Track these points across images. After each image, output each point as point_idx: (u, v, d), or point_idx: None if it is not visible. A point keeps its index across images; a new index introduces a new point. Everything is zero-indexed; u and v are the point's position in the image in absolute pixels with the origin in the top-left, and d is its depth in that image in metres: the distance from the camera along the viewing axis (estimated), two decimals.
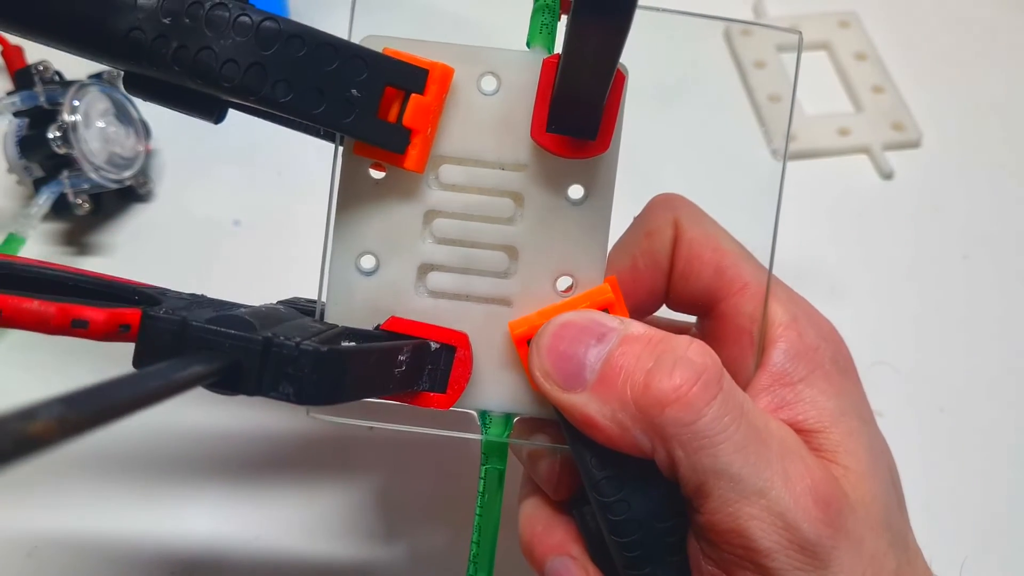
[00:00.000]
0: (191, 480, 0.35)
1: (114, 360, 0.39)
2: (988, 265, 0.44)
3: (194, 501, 0.35)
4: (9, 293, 0.19)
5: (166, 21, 0.20)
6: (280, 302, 0.26)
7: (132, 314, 0.19)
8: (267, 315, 0.20)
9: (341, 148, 0.24)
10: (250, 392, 0.18)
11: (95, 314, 0.19)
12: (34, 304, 0.18)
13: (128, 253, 0.42)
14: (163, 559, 0.34)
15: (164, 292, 0.22)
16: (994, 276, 0.43)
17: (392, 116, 0.22)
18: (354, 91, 0.21)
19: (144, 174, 0.43)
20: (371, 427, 0.35)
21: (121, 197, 0.43)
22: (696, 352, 0.21)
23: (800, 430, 0.23)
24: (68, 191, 0.39)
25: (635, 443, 0.21)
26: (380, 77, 0.22)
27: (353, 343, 0.21)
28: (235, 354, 0.18)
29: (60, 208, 0.40)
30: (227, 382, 0.18)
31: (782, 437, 0.22)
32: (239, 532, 0.34)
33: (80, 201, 0.40)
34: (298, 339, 0.18)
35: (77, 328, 0.19)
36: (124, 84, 0.22)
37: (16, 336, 0.39)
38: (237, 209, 0.43)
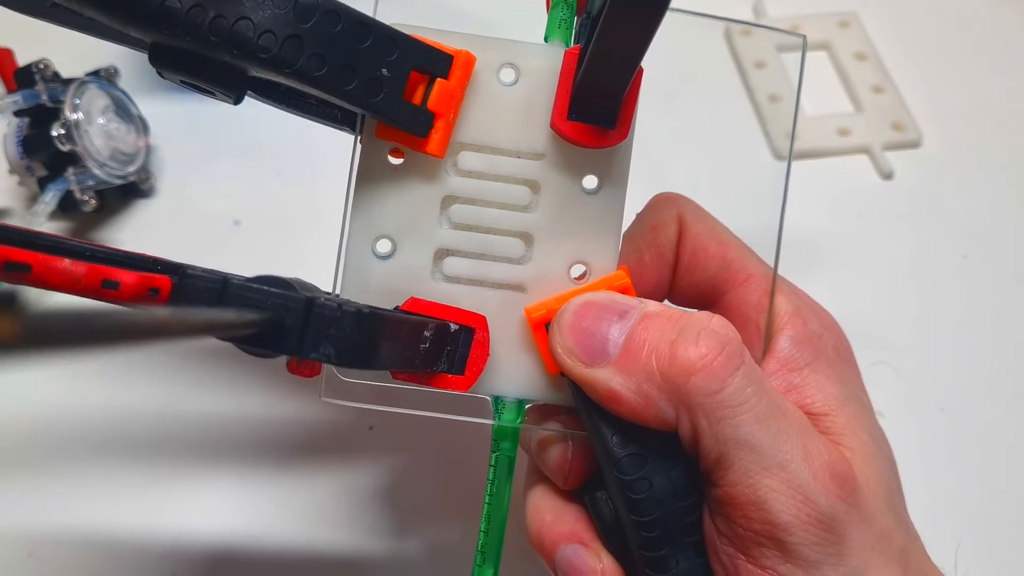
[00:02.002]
0: (192, 478, 0.34)
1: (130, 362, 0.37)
2: (987, 265, 0.44)
3: (195, 499, 0.34)
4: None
5: None
6: None
7: (162, 280, 0.19)
8: (298, 282, 0.20)
9: (360, 135, 0.24)
10: (291, 352, 0.18)
11: (126, 276, 0.18)
12: (65, 263, 0.18)
13: (135, 248, 0.41)
14: (165, 558, 0.32)
15: (184, 265, 0.22)
16: (993, 276, 0.44)
17: (416, 99, 0.23)
18: (384, 71, 0.22)
19: (145, 170, 0.43)
20: (371, 427, 0.34)
21: (123, 193, 0.43)
22: (719, 324, 0.22)
23: (807, 413, 0.24)
24: (75, 188, 0.39)
25: (659, 414, 0.21)
26: (409, 59, 0.22)
27: None
28: (278, 313, 0.17)
29: (65, 206, 0.40)
30: (266, 341, 0.18)
31: (798, 415, 0.22)
32: (241, 529, 0.33)
33: (87, 197, 0.40)
34: (337, 302, 0.18)
35: (107, 289, 0.18)
36: (150, 57, 0.22)
37: None
38: (238, 206, 0.43)
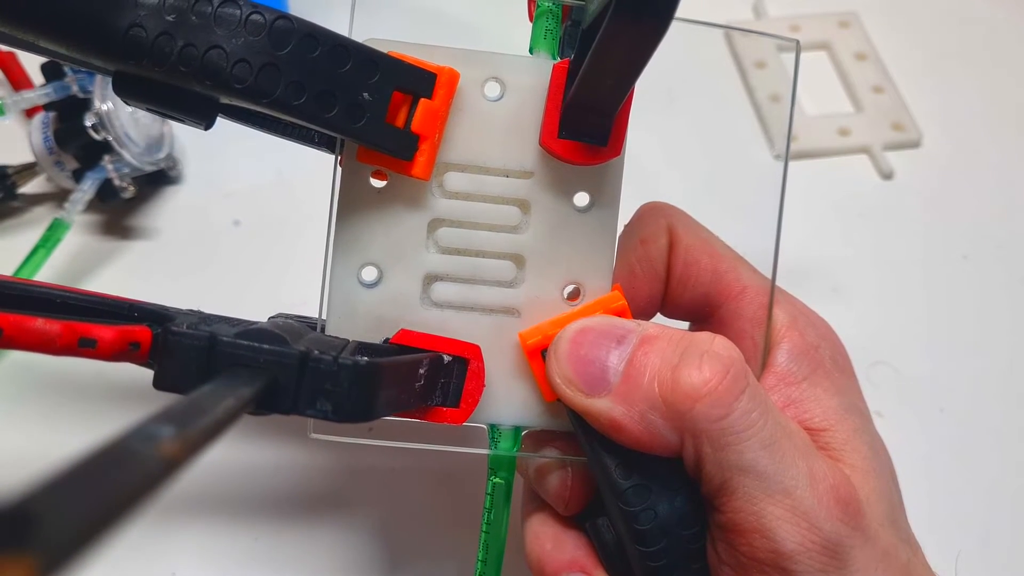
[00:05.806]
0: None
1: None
2: (988, 265, 0.44)
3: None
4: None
5: (170, 19, 0.19)
6: (269, 319, 0.25)
7: (142, 332, 0.18)
8: (287, 328, 0.19)
9: (340, 156, 0.23)
10: (286, 411, 0.17)
11: (104, 332, 0.17)
12: (38, 322, 0.17)
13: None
14: None
15: (165, 308, 0.21)
16: (994, 276, 0.44)
17: (399, 121, 0.22)
18: (365, 94, 0.20)
19: (172, 156, 0.43)
20: (370, 427, 0.33)
21: (152, 181, 0.43)
22: (721, 346, 0.21)
23: (807, 428, 0.23)
24: (113, 175, 0.39)
25: (663, 441, 0.21)
26: (391, 80, 0.21)
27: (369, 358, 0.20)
28: (272, 370, 0.16)
29: (103, 195, 0.40)
30: (260, 400, 0.17)
31: (801, 436, 0.22)
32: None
33: (126, 184, 0.40)
34: (333, 353, 0.17)
35: (84, 348, 0.17)
36: (114, 86, 0.20)
37: None
38: (238, 206, 0.43)
